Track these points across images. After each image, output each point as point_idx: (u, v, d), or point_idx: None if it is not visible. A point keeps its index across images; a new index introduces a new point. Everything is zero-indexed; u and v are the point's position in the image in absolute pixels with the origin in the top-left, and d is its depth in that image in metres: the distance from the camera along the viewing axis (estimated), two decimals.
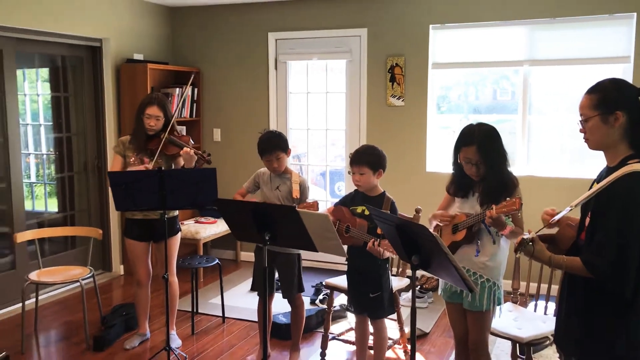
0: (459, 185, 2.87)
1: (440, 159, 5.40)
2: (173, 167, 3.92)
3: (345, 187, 6.00)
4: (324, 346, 3.80)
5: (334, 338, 3.96)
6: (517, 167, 5.06)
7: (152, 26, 6.01)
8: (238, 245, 6.19)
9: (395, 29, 5.41)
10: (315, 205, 3.33)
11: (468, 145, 2.70)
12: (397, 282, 3.73)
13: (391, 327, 3.77)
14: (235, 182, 4.69)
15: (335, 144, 6.08)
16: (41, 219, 5.30)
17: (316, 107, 5.98)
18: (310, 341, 4.20)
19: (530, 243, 2.06)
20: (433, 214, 2.95)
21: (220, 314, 4.61)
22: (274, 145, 3.52)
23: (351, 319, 4.27)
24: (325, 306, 4.22)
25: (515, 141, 5.17)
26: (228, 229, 3.88)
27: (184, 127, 6.01)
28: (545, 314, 3.35)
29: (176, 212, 4.01)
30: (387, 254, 3.06)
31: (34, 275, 4.11)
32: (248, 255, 6.09)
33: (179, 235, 4.03)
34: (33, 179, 5.40)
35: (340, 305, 4.54)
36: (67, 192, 5.47)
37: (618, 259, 1.92)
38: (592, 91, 2.07)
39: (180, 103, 5.77)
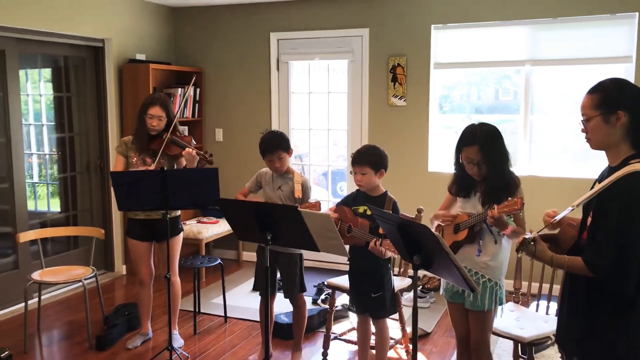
0: (460, 185, 2.87)
1: (442, 159, 5.40)
2: (175, 167, 3.93)
3: (347, 187, 5.99)
4: (325, 346, 3.80)
5: (335, 338, 3.96)
6: (519, 167, 5.06)
7: (154, 26, 6.02)
8: (240, 245, 6.19)
9: (397, 29, 5.41)
10: (317, 205, 3.34)
11: (470, 145, 2.71)
12: (399, 282, 3.72)
13: (393, 327, 3.77)
14: (237, 182, 4.69)
15: (337, 144, 6.08)
16: (44, 219, 5.30)
17: (318, 107, 5.98)
18: (312, 341, 4.20)
19: (532, 243, 2.06)
20: (435, 213, 2.96)
21: (223, 314, 4.61)
22: (275, 145, 3.53)
23: (353, 318, 4.27)
24: (327, 306, 4.23)
25: (517, 141, 5.16)
26: (230, 229, 3.88)
27: (186, 127, 6.02)
28: (547, 313, 3.35)
29: (178, 212, 4.02)
30: (389, 254, 3.06)
31: (36, 275, 4.12)
32: (250, 255, 6.09)
33: (181, 235, 4.04)
34: (36, 179, 5.41)
35: (342, 305, 4.54)
36: (70, 192, 5.48)
37: (619, 258, 1.92)
38: (593, 91, 2.06)
39: (183, 103, 5.77)
